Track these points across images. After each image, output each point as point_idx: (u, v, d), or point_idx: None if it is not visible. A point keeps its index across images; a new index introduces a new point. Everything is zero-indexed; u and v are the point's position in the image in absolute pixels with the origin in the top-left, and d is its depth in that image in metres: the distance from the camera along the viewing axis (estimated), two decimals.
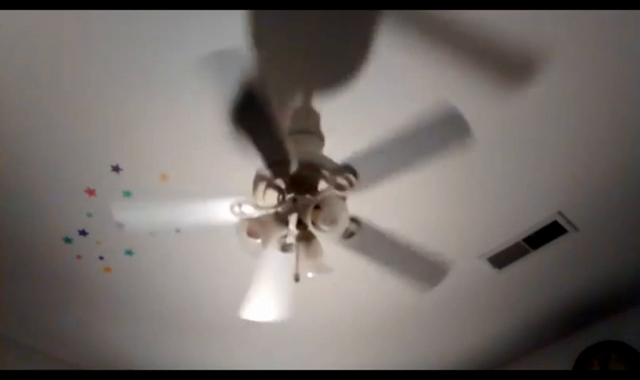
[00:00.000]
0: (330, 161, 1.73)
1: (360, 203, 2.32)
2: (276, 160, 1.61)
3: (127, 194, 2.42)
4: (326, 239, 1.74)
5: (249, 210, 1.74)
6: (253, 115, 1.45)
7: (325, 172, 1.68)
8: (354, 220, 1.77)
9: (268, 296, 1.99)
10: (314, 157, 1.73)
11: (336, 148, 2.22)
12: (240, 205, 1.74)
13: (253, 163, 1.63)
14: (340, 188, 1.67)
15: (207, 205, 1.75)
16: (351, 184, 1.66)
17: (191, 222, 1.83)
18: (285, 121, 2.04)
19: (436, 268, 1.98)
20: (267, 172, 1.64)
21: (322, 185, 1.73)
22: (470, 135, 1.60)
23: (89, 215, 2.53)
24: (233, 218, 1.77)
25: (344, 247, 1.83)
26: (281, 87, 2.01)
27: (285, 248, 1.78)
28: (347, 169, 1.64)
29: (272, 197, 1.67)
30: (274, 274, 1.91)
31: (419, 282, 2.01)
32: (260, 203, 1.68)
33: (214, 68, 1.34)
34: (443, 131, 1.59)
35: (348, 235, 1.79)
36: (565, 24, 1.82)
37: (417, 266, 1.95)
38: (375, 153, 1.64)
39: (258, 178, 1.66)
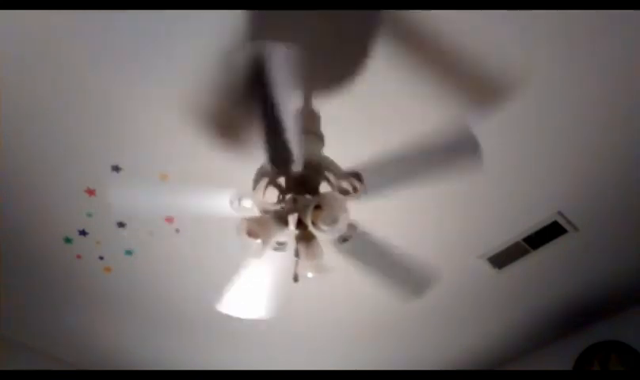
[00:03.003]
0: (331, 161, 1.73)
1: (360, 201, 2.32)
2: (278, 158, 1.61)
3: None
4: (327, 240, 1.74)
5: (248, 205, 1.74)
6: (259, 113, 1.44)
7: (330, 175, 1.68)
8: (348, 175, 1.74)
9: (254, 293, 1.98)
10: (314, 158, 1.73)
11: (336, 148, 2.22)
12: (239, 200, 1.73)
13: (253, 163, 1.63)
14: (344, 192, 1.67)
15: (206, 195, 1.75)
16: (355, 189, 1.67)
17: (189, 210, 1.82)
18: (290, 120, 2.03)
19: (423, 280, 2.03)
20: (269, 169, 1.64)
21: (323, 185, 1.73)
22: (480, 161, 1.63)
23: (89, 215, 2.53)
24: (231, 211, 1.76)
25: (337, 251, 1.84)
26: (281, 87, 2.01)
27: (283, 247, 1.78)
28: (353, 175, 1.65)
29: (272, 195, 1.67)
30: (261, 270, 1.90)
31: (404, 291, 2.06)
32: (261, 198, 1.68)
33: (215, 68, 1.33)
34: (455, 152, 1.62)
35: (343, 240, 1.80)
36: (565, 25, 1.82)
37: (404, 276, 1.99)
38: (383, 163, 1.65)
39: (260, 174, 1.67)
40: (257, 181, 1.68)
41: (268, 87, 1.34)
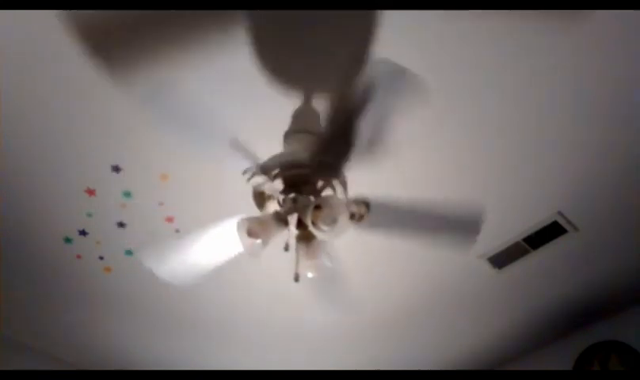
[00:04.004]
0: (331, 162, 1.73)
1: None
2: (278, 160, 1.63)
3: (127, 194, 2.42)
4: (326, 240, 1.74)
5: (261, 179, 1.71)
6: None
7: (337, 186, 1.70)
8: (359, 201, 1.74)
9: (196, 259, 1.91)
10: (320, 159, 1.73)
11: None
12: (254, 173, 1.71)
13: (253, 163, 1.64)
14: (351, 215, 1.70)
15: (216, 231, 1.76)
16: (361, 217, 1.70)
17: (207, 255, 1.83)
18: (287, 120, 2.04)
19: (469, 220, 1.81)
20: (262, 183, 1.66)
21: (322, 185, 1.73)
22: (475, 241, 1.76)
23: (89, 215, 2.53)
24: (244, 238, 1.72)
25: (360, 231, 1.82)
26: (281, 87, 2.01)
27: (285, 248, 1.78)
28: (363, 202, 1.68)
29: (273, 205, 1.72)
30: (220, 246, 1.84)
31: (456, 240, 1.86)
32: (264, 212, 1.71)
33: (215, 68, 1.34)
34: (457, 227, 1.74)
35: (359, 218, 1.75)
36: (564, 24, 1.82)
37: (447, 223, 1.82)
38: (390, 206, 1.71)
39: (256, 194, 1.71)
40: (256, 200, 1.72)
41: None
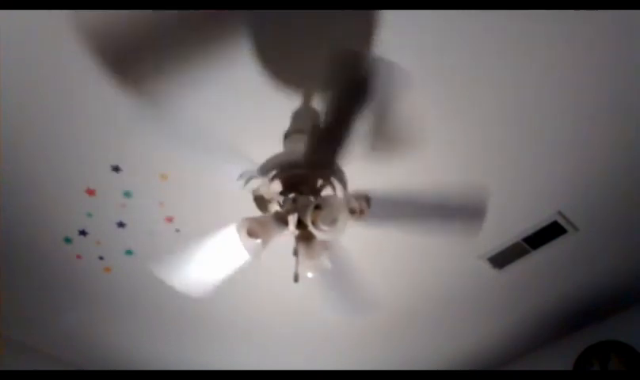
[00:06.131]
0: (326, 160, 1.73)
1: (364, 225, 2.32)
2: (273, 162, 1.63)
3: (127, 194, 2.42)
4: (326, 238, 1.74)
5: (256, 184, 1.72)
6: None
7: (336, 183, 1.69)
8: (360, 196, 1.72)
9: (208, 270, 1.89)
10: (319, 158, 1.73)
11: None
12: (249, 177, 1.72)
13: (253, 163, 1.64)
14: (350, 211, 1.69)
15: (216, 237, 1.75)
16: (362, 211, 1.69)
17: (214, 267, 1.82)
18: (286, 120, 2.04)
19: (473, 208, 1.78)
20: (259, 185, 1.66)
21: (321, 183, 1.73)
22: (480, 227, 1.70)
23: (89, 215, 2.53)
24: (244, 238, 1.69)
25: (359, 230, 1.82)
26: (281, 87, 2.01)
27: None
28: (363, 196, 1.67)
29: (275, 207, 1.72)
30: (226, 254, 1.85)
31: (461, 228, 1.83)
32: (267, 189, 1.70)
33: (215, 68, 1.34)
34: (462, 213, 1.69)
35: (360, 213, 1.74)
36: (565, 25, 1.82)
37: (451, 211, 1.78)
38: (391, 197, 1.68)
39: (257, 199, 1.70)
40: (257, 203, 1.71)
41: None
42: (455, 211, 1.73)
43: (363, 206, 1.69)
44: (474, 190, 1.66)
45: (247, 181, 1.72)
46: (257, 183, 1.72)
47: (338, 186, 1.70)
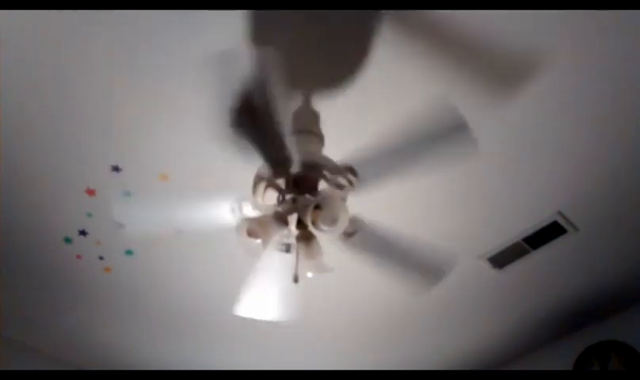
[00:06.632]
0: (331, 160, 1.73)
1: (359, 203, 2.32)
2: (276, 159, 1.61)
3: (127, 194, 2.42)
4: (327, 239, 1.74)
5: (249, 212, 1.74)
6: (254, 115, 1.45)
7: (326, 173, 1.68)
8: (354, 219, 1.76)
9: (266, 294, 1.98)
10: (314, 157, 1.73)
11: (336, 148, 2.22)
12: (240, 207, 1.74)
13: (253, 162, 1.63)
14: (340, 187, 1.67)
15: (207, 206, 1.75)
16: (351, 183, 1.67)
17: (191, 223, 1.82)
18: (287, 121, 2.03)
19: (438, 267, 1.95)
20: (267, 172, 1.64)
21: (323, 185, 1.73)
22: (473, 144, 1.61)
23: (89, 215, 2.53)
24: (233, 219, 1.77)
25: (344, 247, 1.83)
26: (281, 87, 2.01)
27: (287, 248, 1.78)
28: (347, 169, 1.65)
29: (271, 197, 1.67)
30: (274, 273, 1.90)
31: (420, 280, 1.99)
32: (260, 202, 1.68)
33: (215, 68, 1.33)
34: (447, 139, 1.59)
35: (349, 235, 1.79)
36: (565, 25, 1.82)
37: (419, 265, 1.93)
38: (376, 154, 1.64)
39: (258, 178, 1.67)
40: (256, 184, 1.68)
41: (264, 87, 1.35)
42: (439, 140, 1.62)
43: (350, 177, 1.67)
44: (447, 114, 1.58)
45: (240, 209, 1.74)
46: (250, 209, 1.74)
47: (327, 173, 1.69)
